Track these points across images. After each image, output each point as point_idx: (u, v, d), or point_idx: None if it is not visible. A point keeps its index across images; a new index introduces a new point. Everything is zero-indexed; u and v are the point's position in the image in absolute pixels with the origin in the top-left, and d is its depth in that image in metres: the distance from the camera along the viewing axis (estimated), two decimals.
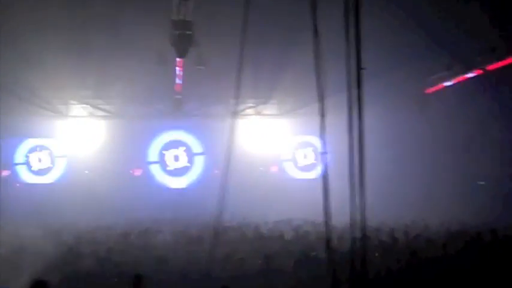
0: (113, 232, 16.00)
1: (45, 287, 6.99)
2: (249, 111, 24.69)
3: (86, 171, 23.29)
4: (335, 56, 5.75)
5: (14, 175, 23.73)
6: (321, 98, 5.39)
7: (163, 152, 25.25)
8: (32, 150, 24.29)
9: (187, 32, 12.89)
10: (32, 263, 10.88)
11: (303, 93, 20.98)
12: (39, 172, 24.16)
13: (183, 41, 13.01)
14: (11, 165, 23.60)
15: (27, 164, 24.12)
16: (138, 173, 24.50)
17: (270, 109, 25.34)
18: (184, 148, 25.37)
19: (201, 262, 10.49)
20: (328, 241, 5.16)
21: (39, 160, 24.21)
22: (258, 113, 25.20)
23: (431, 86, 20.13)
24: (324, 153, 5.39)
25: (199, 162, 25.25)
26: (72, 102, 24.04)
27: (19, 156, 24.08)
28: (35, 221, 16.69)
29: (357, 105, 5.19)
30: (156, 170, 25.04)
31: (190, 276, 10.40)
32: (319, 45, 5.26)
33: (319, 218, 16.80)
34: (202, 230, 16.02)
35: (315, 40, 5.29)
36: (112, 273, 9.97)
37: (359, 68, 5.14)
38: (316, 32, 5.28)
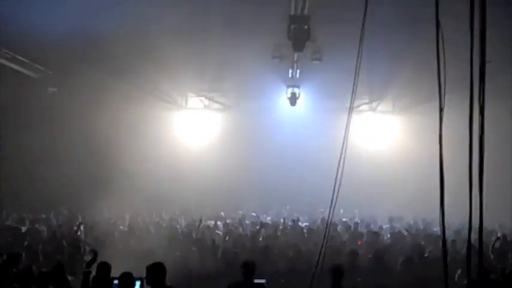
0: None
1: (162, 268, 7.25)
2: (363, 107, 24.43)
3: None
4: (457, 49, 5.54)
5: None
6: (440, 91, 5.21)
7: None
8: None
9: (304, 26, 12.95)
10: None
11: (418, 91, 20.50)
12: None
13: (300, 36, 13.08)
14: None
15: None
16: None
17: (384, 106, 24.95)
18: None
19: (310, 255, 10.58)
20: (444, 242, 4.98)
21: None
22: (373, 110, 24.88)
23: None
24: (441, 149, 5.19)
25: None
26: (190, 94, 24.89)
27: None
28: None
29: (479, 101, 4.97)
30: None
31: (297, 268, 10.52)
32: (441, 37, 5.07)
33: (430, 215, 16.43)
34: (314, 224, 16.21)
35: (437, 32, 5.11)
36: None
37: (483, 61, 4.91)
38: (438, 24, 5.10)
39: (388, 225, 17.54)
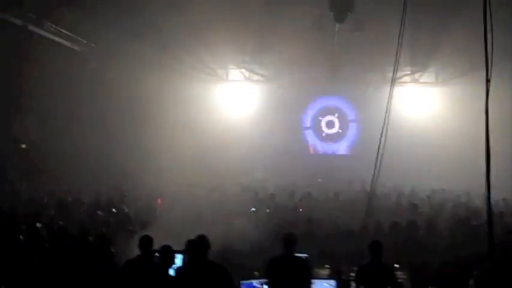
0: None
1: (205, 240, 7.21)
2: (405, 79, 24.05)
3: None
4: (504, 19, 5.43)
5: None
6: (487, 61, 5.12)
7: (319, 118, 25.50)
8: None
9: None
10: None
11: (461, 62, 20.11)
12: None
13: (341, 7, 12.93)
14: None
15: None
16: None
17: (427, 77, 24.54)
18: (337, 114, 25.41)
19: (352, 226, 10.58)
20: (489, 213, 4.94)
21: None
22: (415, 81, 24.49)
23: None
24: (487, 121, 5.12)
25: (352, 129, 25.21)
26: (231, 66, 24.91)
27: None
28: None
29: None
30: (310, 136, 25.34)
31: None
32: (489, 6, 4.97)
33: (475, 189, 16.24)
34: (355, 196, 16.16)
35: (484, 2, 5.01)
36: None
37: None
38: None
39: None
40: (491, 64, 5.22)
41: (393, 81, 6.50)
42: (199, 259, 6.92)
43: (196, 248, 7.00)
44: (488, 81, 5.15)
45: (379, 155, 5.74)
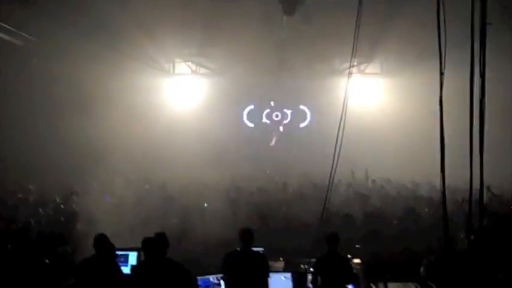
0: None
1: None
2: (351, 70, 24.27)
3: None
4: (456, 10, 5.49)
5: None
6: (441, 54, 5.18)
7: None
8: None
9: None
10: None
11: (407, 52, 20.41)
12: None
13: None
14: None
15: None
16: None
17: (373, 68, 24.86)
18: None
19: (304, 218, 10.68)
20: (444, 204, 5.02)
21: None
22: (361, 72, 24.77)
23: None
24: (441, 111, 5.19)
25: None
26: (177, 60, 24.65)
27: None
28: None
29: (479, 63, 4.95)
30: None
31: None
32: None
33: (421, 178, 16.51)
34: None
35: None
36: None
37: (484, 23, 4.88)
38: None
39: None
40: (444, 56, 5.28)
41: (350, 72, 6.55)
42: (158, 257, 6.85)
43: (155, 245, 6.93)
44: (441, 73, 5.21)
45: (338, 146, 5.76)
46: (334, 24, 16.39)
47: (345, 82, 21.93)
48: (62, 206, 13.18)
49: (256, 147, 23.75)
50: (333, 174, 5.75)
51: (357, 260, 9.30)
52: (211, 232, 10.14)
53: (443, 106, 5.24)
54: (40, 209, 12.76)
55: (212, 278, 8.04)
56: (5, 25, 17.86)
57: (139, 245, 7.24)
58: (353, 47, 5.92)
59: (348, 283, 8.11)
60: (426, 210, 12.91)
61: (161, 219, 11.21)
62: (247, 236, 7.72)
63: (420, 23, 13.53)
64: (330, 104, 19.98)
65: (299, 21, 16.00)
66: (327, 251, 8.07)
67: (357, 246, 10.04)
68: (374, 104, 24.63)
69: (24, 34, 19.14)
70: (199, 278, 7.88)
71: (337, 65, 23.89)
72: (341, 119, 5.89)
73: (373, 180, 18.30)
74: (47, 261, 7.78)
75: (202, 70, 24.92)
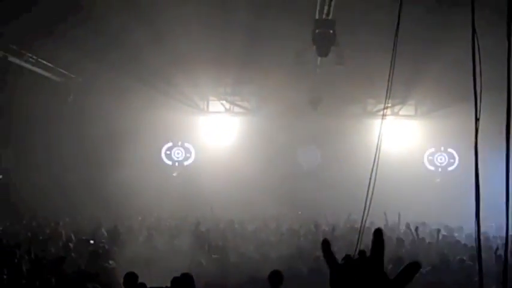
0: None
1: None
2: (385, 111, 24.16)
3: None
4: (491, 54, 5.40)
5: None
6: (476, 99, 5.08)
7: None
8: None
9: (330, 31, 12.84)
10: None
11: (442, 94, 20.28)
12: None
13: (324, 40, 12.97)
14: None
15: None
16: None
17: (407, 110, 24.70)
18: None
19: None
20: (479, 253, 4.84)
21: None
22: (395, 114, 24.60)
23: None
24: (476, 157, 5.07)
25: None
26: (211, 98, 24.86)
27: None
28: None
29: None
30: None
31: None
32: (477, 45, 4.95)
33: (455, 222, 16.07)
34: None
35: (473, 40, 4.99)
36: None
37: None
38: (473, 28, 4.98)
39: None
40: (480, 102, 5.18)
41: (384, 115, 6.50)
42: None
43: (182, 285, 6.89)
44: (477, 119, 5.09)
45: (370, 189, 5.62)
46: (368, 65, 16.45)
47: (378, 124, 22.00)
48: (91, 241, 13.19)
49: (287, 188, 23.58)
50: (365, 217, 5.59)
51: None
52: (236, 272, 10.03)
53: (478, 152, 5.12)
54: (70, 244, 12.78)
55: None
56: (42, 60, 18.31)
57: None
58: (387, 88, 5.81)
59: None
60: (458, 257, 12.51)
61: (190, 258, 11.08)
62: (276, 278, 7.62)
63: (455, 64, 13.46)
64: (363, 145, 19.79)
65: (333, 61, 16.01)
66: None
67: None
68: (408, 146, 24.37)
69: (62, 70, 19.62)
70: None
71: (370, 107, 23.80)
72: (374, 160, 5.75)
73: (407, 224, 17.92)
74: None
75: (237, 109, 25.05)
